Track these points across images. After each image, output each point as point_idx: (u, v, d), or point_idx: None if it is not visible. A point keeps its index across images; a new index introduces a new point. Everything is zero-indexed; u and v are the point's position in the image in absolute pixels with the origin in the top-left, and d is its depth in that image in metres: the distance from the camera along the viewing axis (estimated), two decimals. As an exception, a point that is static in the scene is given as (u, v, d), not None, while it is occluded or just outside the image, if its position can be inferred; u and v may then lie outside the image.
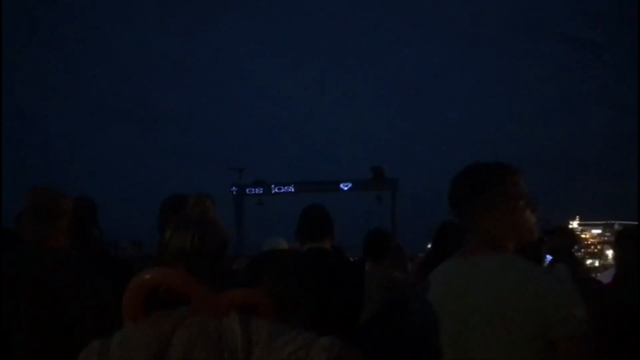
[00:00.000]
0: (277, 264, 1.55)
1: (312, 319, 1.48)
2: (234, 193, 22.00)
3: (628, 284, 2.42)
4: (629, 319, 2.23)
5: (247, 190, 21.96)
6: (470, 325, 1.41)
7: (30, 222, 1.94)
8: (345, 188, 20.86)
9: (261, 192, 22.00)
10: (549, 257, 4.35)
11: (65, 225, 1.99)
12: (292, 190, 21.67)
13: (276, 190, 21.70)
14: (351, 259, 5.62)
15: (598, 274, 7.12)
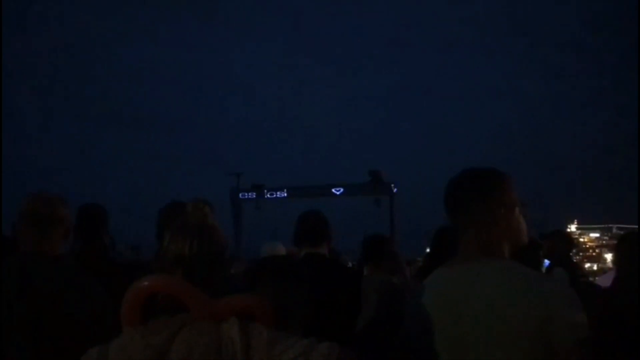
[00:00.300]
0: (275, 269, 1.55)
1: (309, 325, 1.48)
2: (232, 198, 22.02)
3: (628, 288, 2.42)
4: (629, 322, 2.23)
5: (239, 194, 21.98)
6: (468, 331, 1.40)
7: (26, 229, 1.93)
8: (338, 193, 20.91)
9: (254, 196, 22.03)
10: (546, 262, 4.35)
11: (62, 232, 1.98)
12: (285, 195, 21.72)
13: (268, 195, 21.74)
14: (349, 264, 5.63)
15: (597, 278, 7.12)
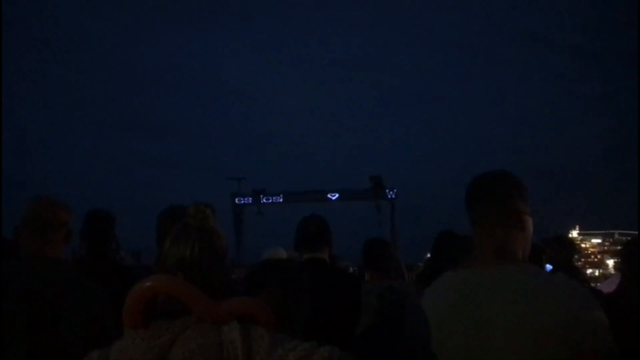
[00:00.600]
0: (274, 274, 1.55)
1: (309, 330, 1.47)
2: (239, 202, 22.04)
3: (632, 294, 2.41)
4: (633, 329, 2.22)
5: (236, 199, 22.00)
6: (492, 333, 1.38)
7: (28, 233, 1.93)
8: (333, 198, 20.95)
9: (250, 201, 22.06)
10: (548, 267, 4.34)
11: (64, 236, 1.99)
12: (281, 200, 21.76)
13: (264, 200, 21.77)
14: (350, 269, 5.62)
15: (598, 284, 7.11)
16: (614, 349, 1.34)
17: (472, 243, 2.77)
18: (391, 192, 20.43)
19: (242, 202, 22.08)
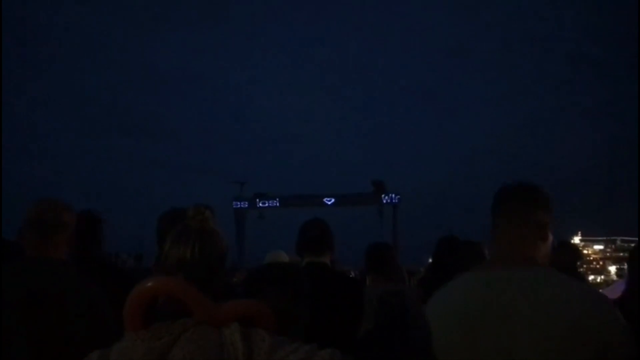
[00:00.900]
0: (274, 277, 1.55)
1: (310, 333, 1.48)
2: (239, 207, 22.05)
3: (637, 300, 2.41)
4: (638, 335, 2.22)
5: (233, 203, 22.02)
6: (518, 334, 1.39)
7: (31, 234, 1.94)
8: (329, 202, 21.00)
9: (246, 205, 22.07)
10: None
11: (67, 238, 1.99)
12: (277, 204, 21.79)
13: (261, 204, 21.79)
14: (352, 273, 5.62)
15: (601, 291, 7.07)
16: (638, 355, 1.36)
17: (473, 248, 2.78)
18: (386, 197, 20.42)
19: (239, 205, 22.10)
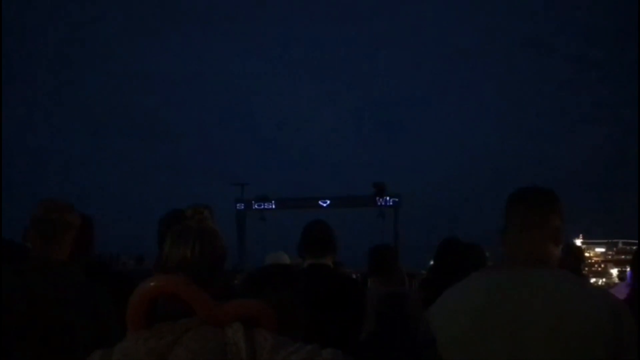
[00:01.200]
0: (274, 278, 1.55)
1: (312, 335, 1.47)
2: (238, 209, 22.05)
3: None
4: None
5: (237, 205, 22.01)
6: (530, 334, 1.39)
7: (35, 235, 1.95)
8: (324, 205, 21.01)
9: (242, 207, 22.06)
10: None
11: (71, 239, 2.00)
12: (273, 207, 21.81)
13: (256, 206, 21.79)
14: (353, 275, 5.62)
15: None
16: None
17: (474, 251, 2.77)
18: (381, 200, 20.39)
19: (239, 207, 22.08)
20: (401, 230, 20.56)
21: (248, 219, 22.25)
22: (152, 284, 1.14)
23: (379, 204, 20.40)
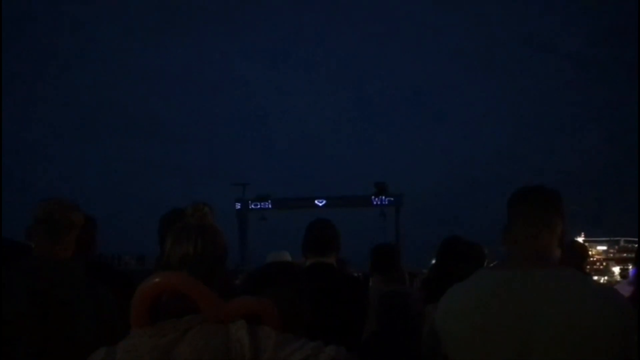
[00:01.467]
0: (277, 276, 1.55)
1: (315, 333, 1.47)
2: (237, 209, 22.07)
3: None
4: None
5: (236, 205, 22.04)
6: (540, 334, 1.39)
7: (39, 233, 1.95)
8: (320, 204, 21.04)
9: (239, 207, 22.08)
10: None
11: (75, 237, 2.00)
12: (269, 206, 21.85)
13: (252, 206, 21.83)
14: (355, 274, 5.62)
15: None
16: None
17: (474, 250, 2.77)
18: (377, 199, 20.41)
19: (239, 207, 22.10)
20: (402, 229, 20.56)
21: (249, 219, 22.26)
22: (155, 280, 1.13)
23: (374, 203, 20.43)
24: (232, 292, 1.33)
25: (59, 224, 1.95)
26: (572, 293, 1.40)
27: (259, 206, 21.77)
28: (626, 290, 3.15)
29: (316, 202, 21.15)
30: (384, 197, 20.43)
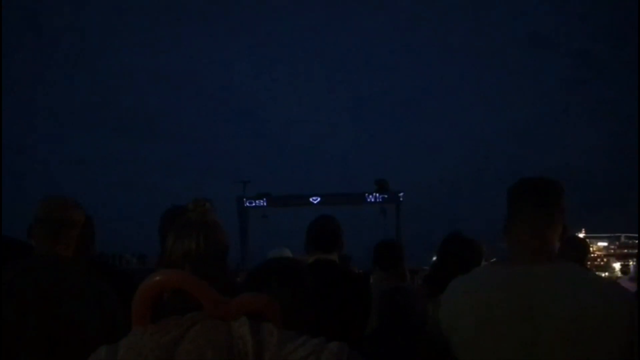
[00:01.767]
0: (279, 272, 1.54)
1: (318, 330, 1.47)
2: (238, 206, 22.06)
3: None
4: None
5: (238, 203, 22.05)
6: (544, 330, 1.39)
7: (40, 232, 1.95)
8: (315, 202, 21.06)
9: (239, 205, 22.08)
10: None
11: (76, 235, 2.00)
12: (265, 204, 21.86)
13: (247, 204, 21.83)
14: (357, 270, 5.62)
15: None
16: None
17: (473, 245, 2.77)
18: (371, 197, 20.41)
19: (236, 206, 22.09)
20: (401, 226, 20.54)
21: (250, 217, 22.24)
22: (157, 278, 1.13)
23: (368, 200, 20.43)
24: (235, 290, 1.33)
25: (60, 223, 1.94)
26: (576, 287, 1.40)
27: (254, 204, 21.78)
28: (628, 286, 3.15)
29: (311, 199, 21.17)
30: (378, 195, 20.41)
